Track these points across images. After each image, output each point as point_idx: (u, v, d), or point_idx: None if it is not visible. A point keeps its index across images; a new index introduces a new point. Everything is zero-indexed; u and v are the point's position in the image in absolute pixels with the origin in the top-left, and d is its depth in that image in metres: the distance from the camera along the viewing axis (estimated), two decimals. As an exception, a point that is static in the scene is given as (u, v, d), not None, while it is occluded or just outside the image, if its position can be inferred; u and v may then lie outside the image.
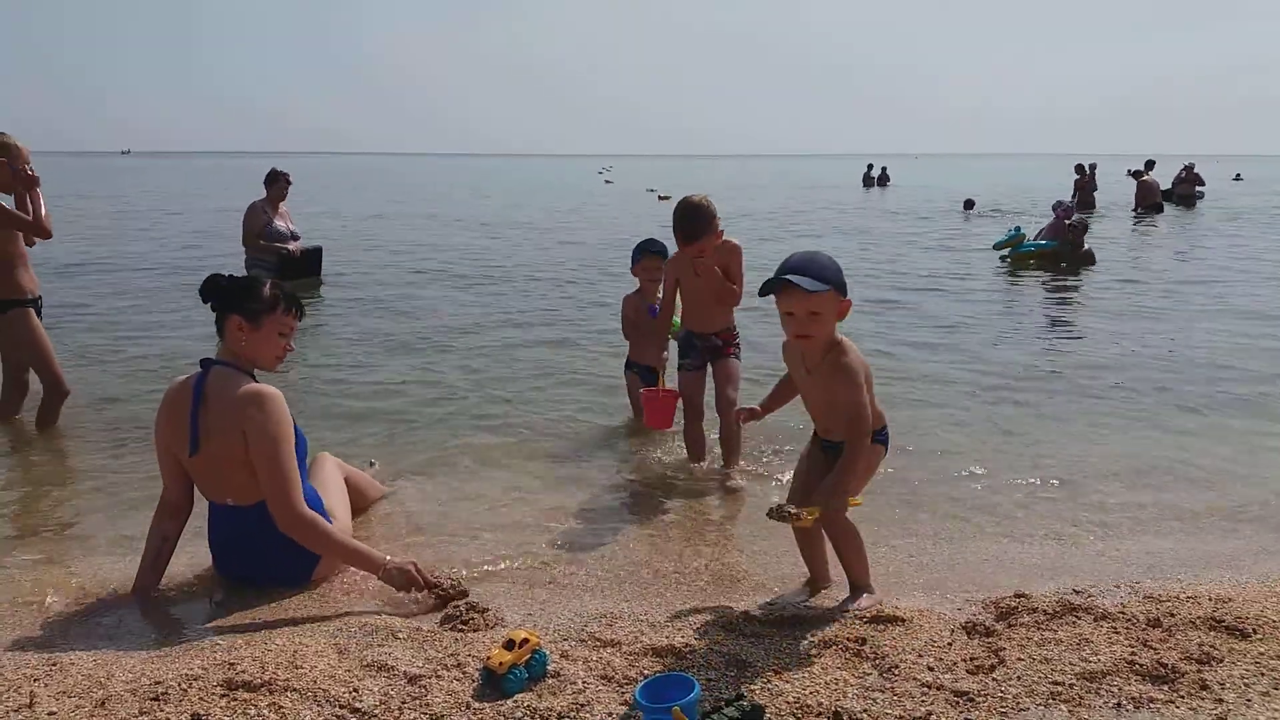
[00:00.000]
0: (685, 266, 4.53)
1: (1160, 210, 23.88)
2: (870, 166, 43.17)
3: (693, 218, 4.32)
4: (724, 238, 4.45)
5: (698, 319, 4.66)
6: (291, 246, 10.60)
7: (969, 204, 25.89)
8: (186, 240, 16.83)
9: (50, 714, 2.35)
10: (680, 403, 4.75)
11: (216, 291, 3.28)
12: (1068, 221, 13.14)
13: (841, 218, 24.25)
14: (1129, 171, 27.82)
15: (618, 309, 5.67)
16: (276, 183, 10.58)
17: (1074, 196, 24.72)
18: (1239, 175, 47.68)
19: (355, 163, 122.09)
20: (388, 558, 3.20)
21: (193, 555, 3.49)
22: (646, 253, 5.51)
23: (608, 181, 48.65)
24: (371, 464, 4.70)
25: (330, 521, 3.34)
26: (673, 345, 4.94)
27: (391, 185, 45.41)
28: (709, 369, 4.73)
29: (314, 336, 8.33)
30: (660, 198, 30.23)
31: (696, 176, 60.13)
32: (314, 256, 11.10)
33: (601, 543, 3.86)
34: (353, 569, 3.41)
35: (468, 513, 4.22)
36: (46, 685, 2.49)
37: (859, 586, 3.13)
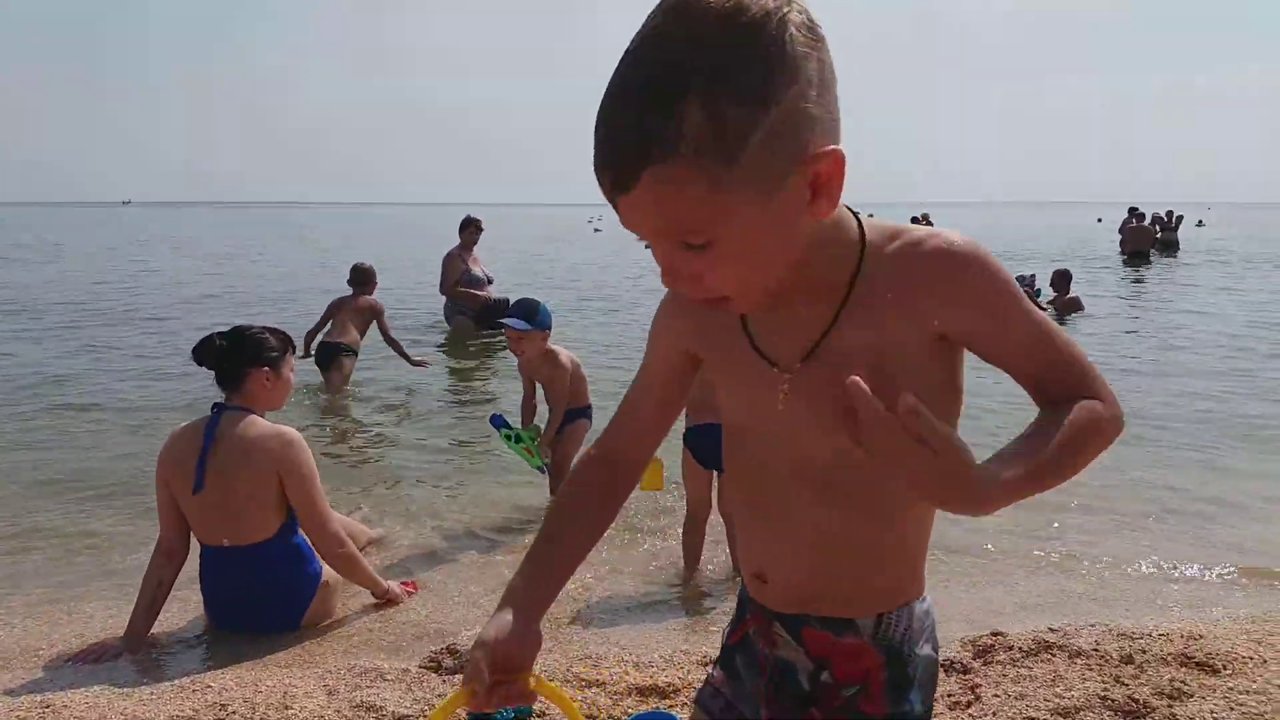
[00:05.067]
0: None
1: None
2: (915, 220, 43.58)
3: None
4: None
5: None
6: (489, 293, 10.72)
7: None
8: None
9: (43, 756, 2.40)
10: None
11: (220, 352, 3.40)
12: (1052, 276, 13.16)
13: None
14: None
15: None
16: (469, 228, 10.70)
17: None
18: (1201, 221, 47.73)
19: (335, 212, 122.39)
20: (389, 583, 3.62)
21: (184, 602, 3.55)
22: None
23: (597, 230, 48.98)
24: (360, 507, 4.77)
25: (318, 563, 3.45)
26: None
27: (399, 237, 45.60)
28: None
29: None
30: (647, 247, 30.43)
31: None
32: (503, 306, 11.09)
33: (587, 586, 3.91)
34: (339, 614, 3.55)
35: (454, 557, 4.27)
36: (40, 728, 2.53)
37: None
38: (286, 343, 3.54)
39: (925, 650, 1.19)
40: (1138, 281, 19.22)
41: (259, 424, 3.35)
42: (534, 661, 1.17)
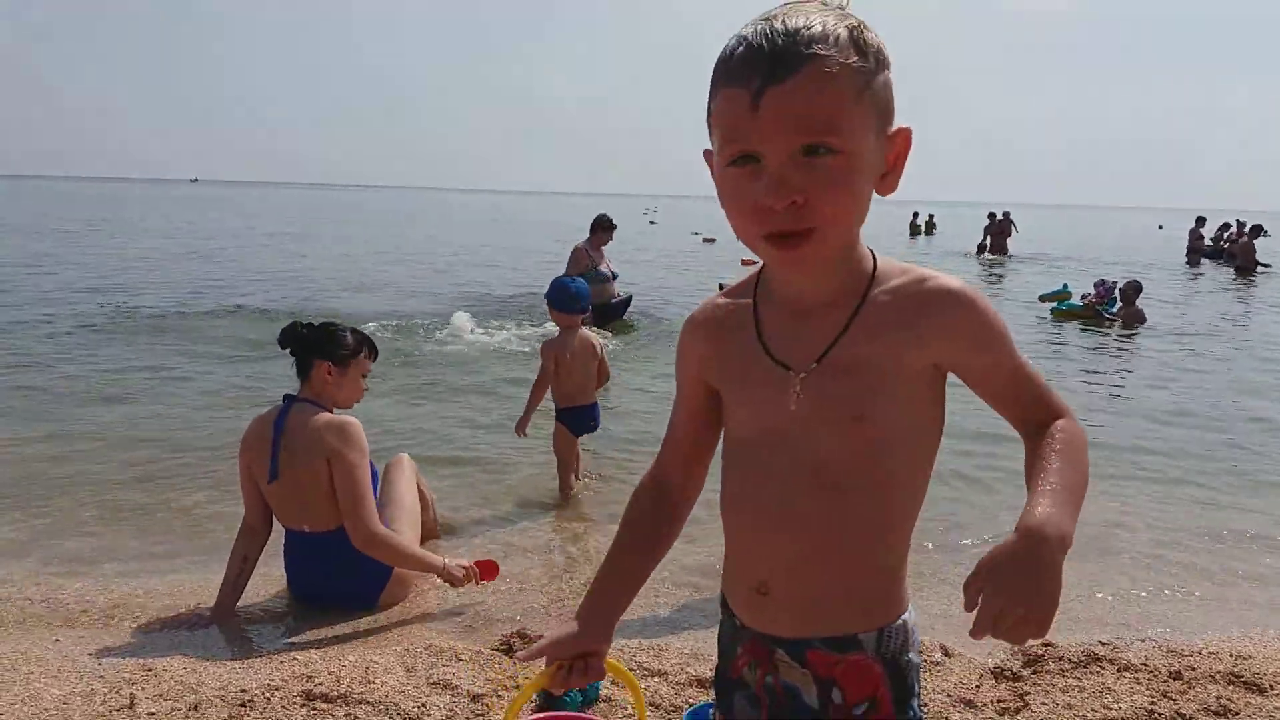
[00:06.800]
0: None
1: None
2: (916, 214, 43.17)
3: None
4: None
5: None
6: (614, 290, 11.03)
7: (981, 248, 26.15)
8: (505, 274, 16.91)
9: (150, 714, 2.60)
10: None
11: (299, 339, 3.57)
12: (1120, 289, 12.91)
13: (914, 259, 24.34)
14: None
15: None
16: (604, 230, 10.87)
17: (982, 242, 25.75)
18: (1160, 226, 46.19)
19: (386, 197, 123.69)
20: (446, 561, 3.57)
21: (268, 577, 3.75)
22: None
23: (652, 223, 49.01)
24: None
25: None
26: None
27: (430, 221, 46.11)
28: None
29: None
30: (704, 240, 30.46)
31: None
32: (624, 304, 11.39)
33: (652, 579, 4.02)
34: (413, 596, 3.70)
35: (521, 550, 4.40)
36: (144, 689, 2.74)
37: None
38: (362, 346, 3.64)
39: (915, 659, 1.27)
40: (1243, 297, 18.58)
41: (322, 416, 3.47)
42: (605, 650, 1.34)
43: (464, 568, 3.56)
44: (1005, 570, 1.01)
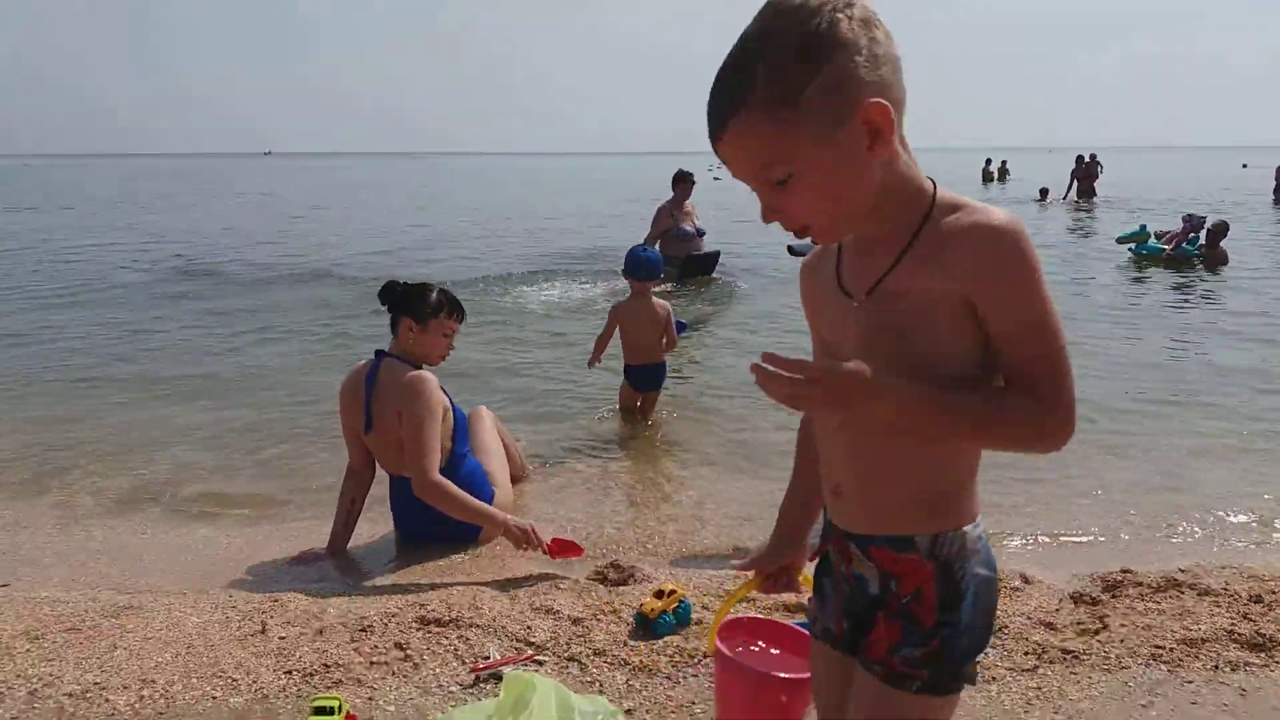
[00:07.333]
0: None
1: None
2: (989, 161, 42.12)
3: None
4: None
5: None
6: (700, 245, 11.13)
7: (1044, 193, 25.68)
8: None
9: (281, 638, 2.83)
10: None
11: (392, 295, 3.76)
12: (1208, 228, 12.60)
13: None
14: None
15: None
16: (683, 183, 10.91)
17: (1069, 186, 25.60)
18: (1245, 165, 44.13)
19: (455, 163, 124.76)
20: (509, 517, 3.60)
21: (375, 521, 4.00)
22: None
23: (716, 179, 48.51)
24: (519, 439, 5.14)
25: (491, 489, 3.86)
26: None
27: (522, 187, 46.47)
28: None
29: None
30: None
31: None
32: (712, 259, 11.41)
33: (737, 516, 4.20)
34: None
35: (600, 489, 4.62)
36: (273, 616, 2.98)
37: None
38: (444, 307, 3.76)
39: (979, 570, 1.36)
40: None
41: (403, 370, 3.65)
42: (802, 563, 1.66)
43: (523, 529, 3.51)
44: (833, 374, 1.22)
